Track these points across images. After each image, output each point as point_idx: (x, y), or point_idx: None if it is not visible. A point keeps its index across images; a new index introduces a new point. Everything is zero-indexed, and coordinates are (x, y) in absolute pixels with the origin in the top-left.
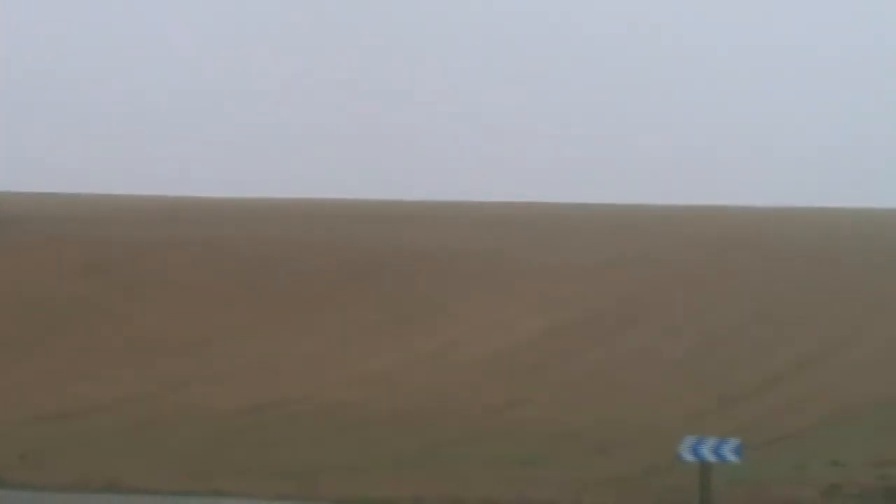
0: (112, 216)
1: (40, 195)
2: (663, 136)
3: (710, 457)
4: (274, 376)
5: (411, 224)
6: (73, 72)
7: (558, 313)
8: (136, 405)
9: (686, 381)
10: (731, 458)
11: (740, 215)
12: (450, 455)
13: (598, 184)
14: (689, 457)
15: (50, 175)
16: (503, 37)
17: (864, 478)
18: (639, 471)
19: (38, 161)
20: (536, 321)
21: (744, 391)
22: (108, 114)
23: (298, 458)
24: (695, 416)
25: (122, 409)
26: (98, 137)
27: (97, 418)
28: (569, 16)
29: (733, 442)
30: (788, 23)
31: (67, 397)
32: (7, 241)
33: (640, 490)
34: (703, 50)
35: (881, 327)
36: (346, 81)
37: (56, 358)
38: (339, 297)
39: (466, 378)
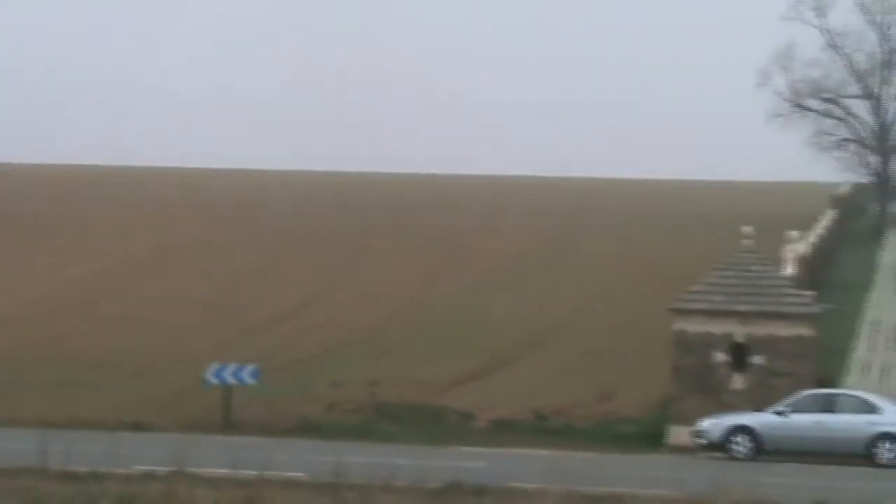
0: None
1: None
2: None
3: (231, 380)
4: None
5: None
6: None
7: (100, 261)
8: None
9: (213, 317)
10: (249, 380)
11: (254, 177)
12: (3, 380)
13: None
14: (213, 380)
15: None
16: None
17: (359, 395)
18: (171, 393)
19: None
20: (82, 267)
21: (262, 324)
22: None
23: None
24: (221, 346)
25: None
26: None
27: None
28: None
29: (251, 367)
30: None
31: None
32: None
33: (172, 409)
34: None
35: (370, 271)
36: None
37: None
38: None
39: (18, 315)
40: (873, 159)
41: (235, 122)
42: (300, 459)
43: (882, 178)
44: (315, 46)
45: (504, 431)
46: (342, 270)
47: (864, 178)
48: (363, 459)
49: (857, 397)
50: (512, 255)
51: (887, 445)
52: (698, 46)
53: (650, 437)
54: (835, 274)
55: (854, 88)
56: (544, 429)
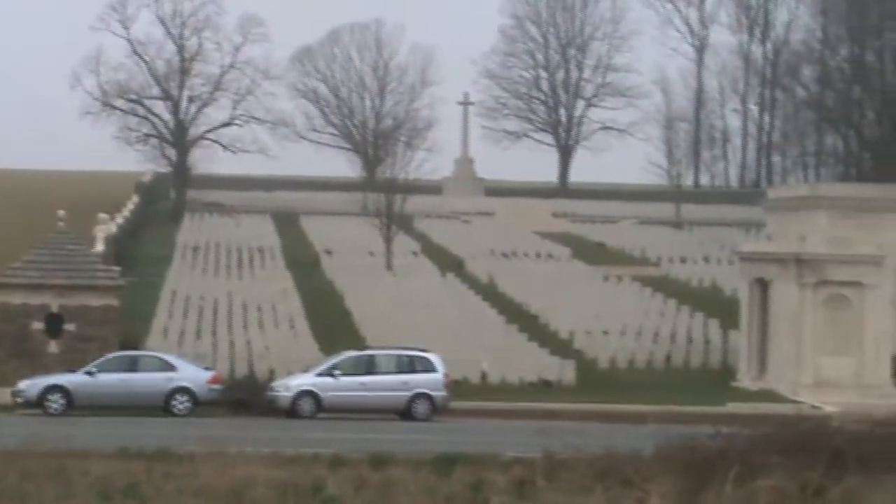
0: None
1: None
2: None
3: None
4: None
5: None
6: None
7: None
8: None
9: None
10: None
11: None
12: None
13: None
14: None
15: None
16: None
17: None
18: None
19: None
20: None
21: None
22: None
23: None
24: None
25: None
26: None
27: None
28: None
29: None
30: None
31: None
32: None
33: None
34: None
35: None
36: None
37: None
38: None
39: None
40: (172, 152)
41: None
42: None
43: (179, 168)
44: None
45: None
46: None
47: (164, 168)
48: None
49: (156, 357)
50: None
51: (181, 398)
52: (22, 47)
53: None
54: (140, 250)
55: (156, 90)
56: None
